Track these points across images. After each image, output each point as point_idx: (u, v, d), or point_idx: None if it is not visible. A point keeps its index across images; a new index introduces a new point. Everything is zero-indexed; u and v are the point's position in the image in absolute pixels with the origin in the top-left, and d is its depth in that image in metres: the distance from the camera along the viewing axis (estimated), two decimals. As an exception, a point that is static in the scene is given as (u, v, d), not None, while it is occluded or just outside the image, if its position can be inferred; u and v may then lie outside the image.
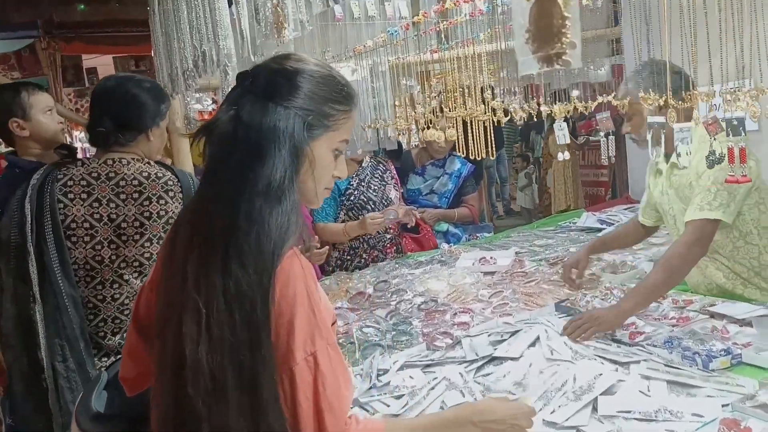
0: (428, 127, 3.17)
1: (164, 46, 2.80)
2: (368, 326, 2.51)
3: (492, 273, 3.06)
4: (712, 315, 2.17)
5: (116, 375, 1.50)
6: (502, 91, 2.49)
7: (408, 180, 4.13)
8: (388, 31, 2.78)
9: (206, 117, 3.98)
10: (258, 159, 1.19)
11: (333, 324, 1.33)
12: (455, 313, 2.56)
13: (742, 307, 2.14)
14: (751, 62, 1.53)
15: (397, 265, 3.50)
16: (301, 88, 1.24)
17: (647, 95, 1.74)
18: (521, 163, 9.80)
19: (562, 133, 1.94)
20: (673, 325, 2.14)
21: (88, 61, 9.08)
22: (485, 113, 2.33)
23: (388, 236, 3.76)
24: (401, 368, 2.15)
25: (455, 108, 2.55)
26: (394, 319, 2.64)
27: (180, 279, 1.20)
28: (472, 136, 2.61)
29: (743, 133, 1.33)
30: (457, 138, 2.74)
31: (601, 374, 1.83)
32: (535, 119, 2.34)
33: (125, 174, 2.16)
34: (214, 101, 3.70)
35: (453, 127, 2.79)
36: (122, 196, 2.15)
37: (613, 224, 3.72)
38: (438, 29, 2.75)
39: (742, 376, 1.78)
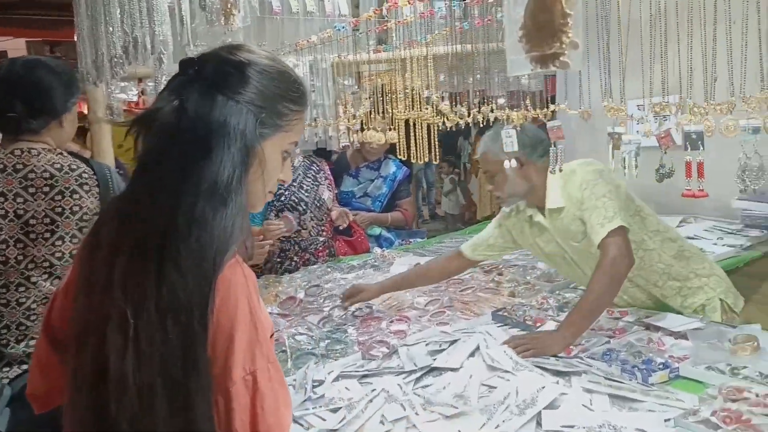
0: (366, 129, 3.09)
1: (89, 30, 2.60)
2: (300, 334, 2.41)
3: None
4: (648, 327, 2.18)
5: (22, 389, 1.35)
6: (441, 95, 2.44)
7: (342, 182, 4.04)
8: (335, 27, 2.68)
9: (133, 107, 3.74)
10: (204, 155, 1.08)
11: (271, 336, 1.21)
12: (391, 321, 2.49)
13: (677, 320, 2.16)
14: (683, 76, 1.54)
15: (329, 269, 3.40)
16: (255, 82, 1.14)
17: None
18: (447, 168, 9.86)
19: (510, 140, 1.90)
20: (610, 337, 2.14)
21: (1, 43, 8.55)
22: (434, 116, 2.27)
23: (321, 239, 3.65)
24: (336, 379, 2.06)
25: (403, 110, 2.47)
26: (328, 326, 2.55)
27: (104, 284, 1.08)
28: (415, 139, 2.54)
29: (701, 147, 1.32)
30: (398, 141, 2.67)
31: (543, 387, 1.79)
32: (481, 125, 2.30)
33: (35, 166, 1.97)
34: (143, 91, 3.47)
35: (393, 130, 2.71)
36: (31, 190, 1.96)
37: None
38: (383, 29, 2.67)
39: (680, 390, 1.78)
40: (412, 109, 2.58)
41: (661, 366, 1.87)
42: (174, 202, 1.06)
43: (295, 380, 2.04)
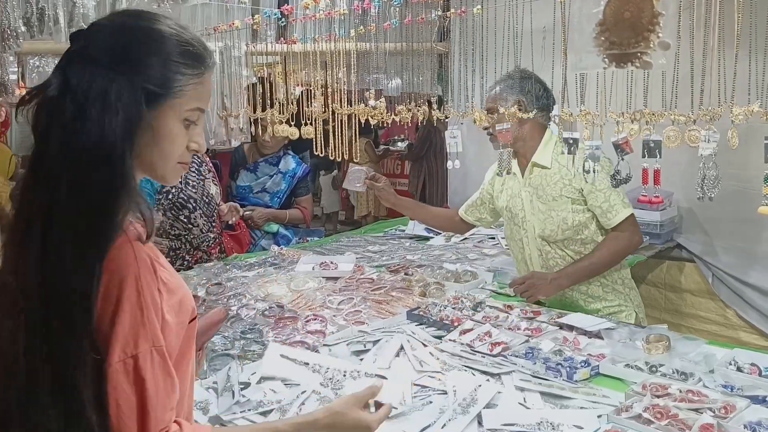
0: (273, 123, 2.98)
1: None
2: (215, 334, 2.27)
3: (335, 278, 2.96)
4: (561, 326, 2.28)
5: None
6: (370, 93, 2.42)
7: (238, 176, 3.88)
8: (265, 13, 2.56)
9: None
10: (83, 129, 1.04)
11: (192, 320, 1.21)
12: (307, 321, 2.42)
13: (588, 320, 2.27)
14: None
15: (227, 267, 3.25)
16: (141, 50, 1.09)
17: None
18: (325, 167, 9.82)
19: (454, 141, 1.91)
20: (528, 336, 2.20)
21: None
22: (380, 113, 2.23)
23: (212, 235, 3.49)
24: (259, 381, 1.96)
25: (340, 105, 2.40)
26: (239, 325, 2.42)
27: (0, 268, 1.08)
28: (334, 135, 2.49)
29: (659, 155, 1.39)
30: (314, 136, 2.61)
31: (480, 386, 1.81)
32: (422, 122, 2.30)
33: None
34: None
35: (309, 124, 2.64)
36: None
37: (440, 233, 3.81)
38: (312, 18, 2.59)
39: (601, 387, 1.87)
40: (332, 103, 2.52)
41: (582, 364, 1.95)
42: (55, 180, 1.03)
43: (215, 383, 1.92)
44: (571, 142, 1.86)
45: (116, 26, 1.11)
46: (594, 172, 1.66)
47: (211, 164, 3.56)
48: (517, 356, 2.04)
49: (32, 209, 1.04)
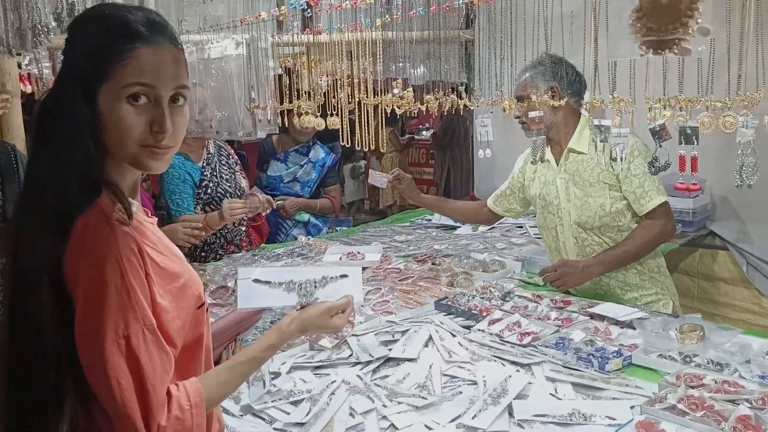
0: (299, 113, 2.98)
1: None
2: (243, 324, 2.28)
3: (363, 269, 2.95)
4: (591, 316, 2.25)
5: None
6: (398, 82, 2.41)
7: (269, 166, 3.90)
8: (291, 4, 2.55)
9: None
10: (51, 118, 1.13)
11: (200, 307, 1.24)
12: (335, 311, 2.42)
13: (620, 309, 2.24)
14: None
15: (255, 257, 3.27)
16: (75, 39, 1.16)
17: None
18: (346, 157, 9.82)
19: (485, 130, 1.89)
20: (558, 326, 2.18)
21: None
22: (409, 103, 2.21)
23: (243, 228, 3.50)
24: (289, 371, 1.98)
25: (367, 96, 2.39)
26: (267, 315, 2.43)
27: None
28: (360, 126, 2.48)
29: (695, 142, 1.36)
30: (341, 126, 2.60)
31: (510, 376, 1.80)
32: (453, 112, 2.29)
33: None
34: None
35: (336, 115, 2.63)
36: None
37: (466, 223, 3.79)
38: (338, 8, 2.58)
39: (633, 377, 1.85)
40: (359, 94, 2.51)
41: (614, 354, 1.93)
42: (30, 164, 1.15)
43: (245, 373, 1.93)
44: (602, 129, 1.83)
45: (76, 19, 1.21)
46: (622, 159, 1.62)
47: (236, 156, 3.57)
48: (547, 346, 2.02)
49: (11, 196, 1.23)
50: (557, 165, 2.56)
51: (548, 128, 2.50)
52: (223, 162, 3.41)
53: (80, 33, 1.15)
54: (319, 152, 3.90)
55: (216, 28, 2.77)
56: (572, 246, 2.57)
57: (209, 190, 3.27)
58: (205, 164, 3.29)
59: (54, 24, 2.11)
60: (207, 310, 1.29)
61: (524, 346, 2.06)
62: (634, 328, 2.11)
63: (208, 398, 1.18)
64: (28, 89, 3.83)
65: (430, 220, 4.01)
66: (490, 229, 3.63)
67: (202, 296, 1.25)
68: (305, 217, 3.85)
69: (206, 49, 2.71)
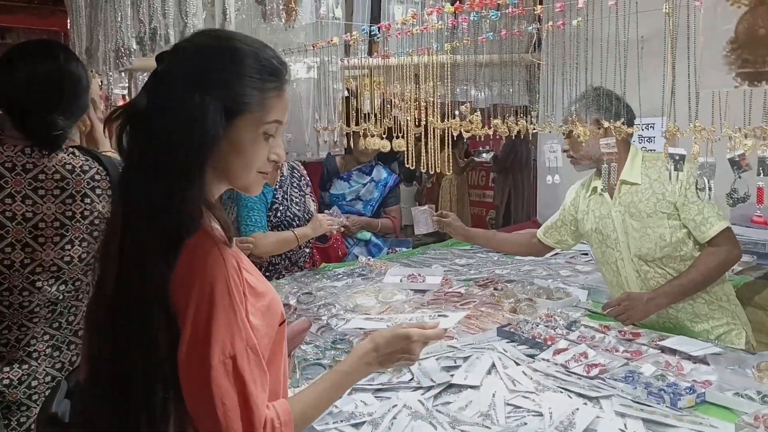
0: (365, 135, 3.00)
1: (90, 17, 2.41)
2: (306, 343, 2.30)
3: (423, 291, 2.95)
4: (662, 349, 2.17)
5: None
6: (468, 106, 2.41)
7: (332, 185, 3.95)
8: (362, 30, 2.59)
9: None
10: (166, 143, 1.11)
11: (281, 324, 1.26)
12: (396, 333, 2.41)
13: (692, 343, 2.15)
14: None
15: (316, 277, 3.30)
16: (220, 68, 1.16)
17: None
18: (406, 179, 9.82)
19: (554, 156, 1.86)
20: (627, 359, 2.11)
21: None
22: (477, 126, 2.21)
23: (307, 250, 3.52)
24: (350, 392, 1.97)
25: (435, 120, 2.40)
26: (329, 335, 2.45)
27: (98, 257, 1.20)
28: (426, 148, 2.48)
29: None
30: (407, 149, 2.61)
31: (577, 409, 1.75)
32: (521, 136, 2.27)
33: (45, 166, 1.80)
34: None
35: (402, 137, 2.65)
36: (41, 192, 1.79)
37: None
38: (408, 33, 2.60)
39: (707, 416, 1.77)
40: (426, 116, 2.52)
41: (687, 390, 1.85)
42: (139, 187, 1.11)
43: (307, 393, 1.93)
44: (677, 158, 1.78)
45: (197, 47, 1.18)
46: (709, 189, 1.57)
47: (308, 178, 3.58)
48: (616, 379, 1.96)
49: (115, 218, 1.15)
50: (611, 198, 2.50)
51: (598, 161, 2.44)
52: (295, 184, 3.42)
53: (225, 59, 1.16)
54: (381, 172, 3.94)
55: (288, 53, 2.83)
56: (635, 280, 2.49)
57: (279, 213, 3.27)
58: (277, 187, 3.31)
59: (136, 47, 2.19)
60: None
61: (591, 378, 2.00)
62: (708, 364, 2.02)
63: (296, 419, 1.21)
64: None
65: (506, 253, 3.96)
66: (553, 255, 3.56)
67: (283, 313, 1.28)
68: (367, 235, 3.88)
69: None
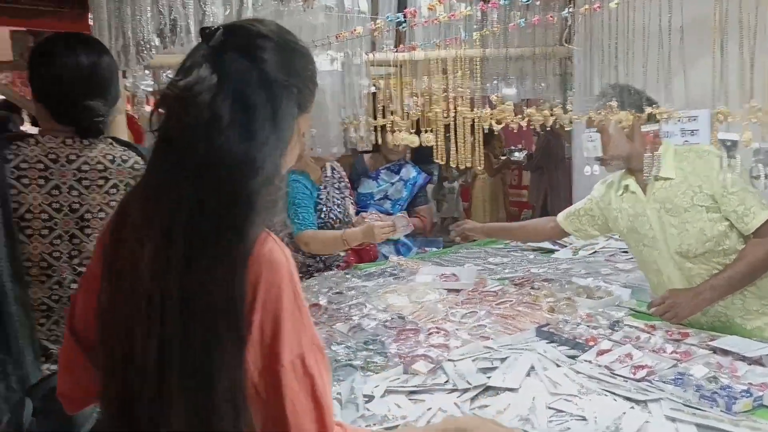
0: (393, 130, 2.91)
1: (113, 13, 2.37)
2: (337, 343, 2.22)
3: (456, 291, 2.85)
4: (714, 350, 2.05)
5: (52, 391, 1.32)
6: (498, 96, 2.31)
7: (360, 184, 3.87)
8: (387, 18, 2.51)
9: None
10: (248, 136, 1.04)
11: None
12: (429, 333, 2.32)
13: (746, 343, 2.02)
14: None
15: (347, 275, 3.22)
16: (297, 61, 1.14)
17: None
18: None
19: (592, 145, 1.75)
20: (676, 360, 1.99)
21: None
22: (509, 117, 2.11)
23: (342, 254, 3.45)
24: (383, 394, 1.89)
25: (467, 111, 2.31)
26: (360, 336, 2.37)
27: (131, 272, 1.05)
28: (456, 143, 2.39)
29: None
30: (436, 144, 2.51)
31: (624, 413, 1.64)
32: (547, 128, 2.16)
33: (88, 157, 1.83)
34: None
35: (430, 131, 2.55)
36: (85, 183, 1.82)
37: (566, 246, 3.62)
38: (434, 22, 2.51)
39: (765, 420, 1.64)
40: (456, 107, 2.42)
41: (743, 393, 1.73)
42: (207, 183, 1.02)
43: (339, 394, 1.86)
44: (729, 144, 1.66)
45: (281, 39, 1.13)
46: (765, 177, 1.45)
47: (347, 180, 3.52)
48: (664, 382, 1.84)
49: (175, 211, 1.02)
50: (645, 195, 2.38)
51: (628, 159, 2.34)
52: (336, 186, 3.38)
53: (292, 57, 1.14)
54: (410, 171, 3.86)
55: (310, 45, 2.75)
56: (678, 278, 2.36)
57: (322, 215, 3.22)
58: (322, 187, 3.27)
59: (157, 41, 2.15)
60: None
61: (638, 380, 1.89)
62: (764, 365, 1.90)
63: None
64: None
65: (525, 241, 3.84)
66: (592, 253, 3.44)
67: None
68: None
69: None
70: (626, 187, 2.44)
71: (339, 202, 3.33)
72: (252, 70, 1.07)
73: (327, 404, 1.08)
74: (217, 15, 2.03)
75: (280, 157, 1.10)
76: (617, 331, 2.25)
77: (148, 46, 2.30)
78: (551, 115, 2.01)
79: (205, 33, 1.11)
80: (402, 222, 3.10)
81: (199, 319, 1.02)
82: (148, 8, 2.23)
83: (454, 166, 2.49)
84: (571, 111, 2.21)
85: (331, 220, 3.25)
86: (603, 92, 2.25)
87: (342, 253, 3.42)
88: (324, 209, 3.24)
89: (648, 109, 1.88)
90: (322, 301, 2.74)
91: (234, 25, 1.16)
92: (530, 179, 8.41)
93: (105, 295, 1.11)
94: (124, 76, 2.57)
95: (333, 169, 3.40)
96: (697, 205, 2.26)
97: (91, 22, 2.82)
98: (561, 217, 2.81)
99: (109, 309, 1.10)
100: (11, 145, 1.79)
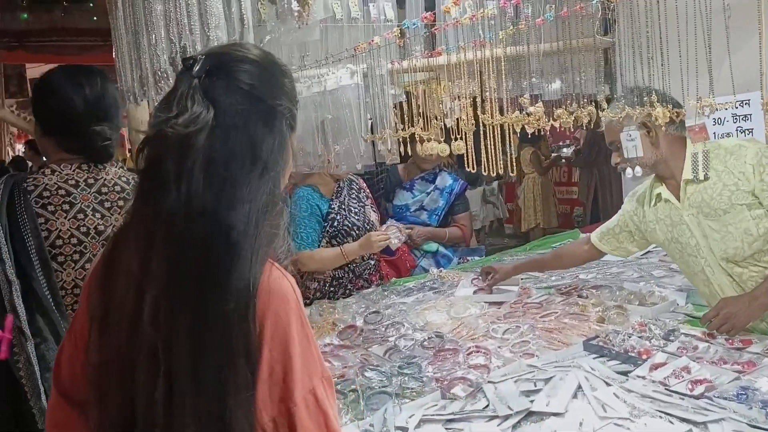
0: (422, 140, 2.79)
1: (132, 45, 2.36)
2: (371, 369, 2.12)
3: (499, 304, 2.71)
4: (780, 359, 1.86)
5: None
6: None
7: (395, 195, 3.77)
8: (404, 24, 2.41)
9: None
10: (251, 166, 1.02)
11: None
12: (469, 353, 2.19)
13: (818, 351, 1.83)
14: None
15: (385, 293, 3.12)
16: (284, 83, 1.12)
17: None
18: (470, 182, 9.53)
19: (632, 144, 1.60)
20: (739, 372, 1.81)
21: (32, 70, 8.54)
22: (538, 120, 1.98)
23: (372, 263, 3.37)
24: (418, 424, 1.77)
25: (491, 116, 2.17)
26: (396, 358, 2.25)
27: (130, 318, 0.99)
28: (486, 149, 2.26)
29: None
30: (467, 151, 2.39)
31: (681, 439, 1.48)
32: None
33: (105, 179, 1.90)
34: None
35: (460, 139, 2.43)
36: (107, 205, 1.87)
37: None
38: (455, 25, 2.39)
39: None
40: (482, 114, 2.29)
41: (817, 410, 1.55)
42: (215, 220, 0.98)
43: (371, 426, 1.75)
44: None
45: (266, 61, 1.11)
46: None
47: (368, 190, 3.47)
48: (726, 398, 1.67)
49: (182, 252, 0.97)
50: (679, 202, 2.19)
51: (655, 166, 2.17)
52: (353, 196, 3.34)
53: (279, 78, 1.12)
54: (446, 179, 3.73)
55: (334, 60, 2.67)
56: (729, 286, 2.15)
57: (336, 223, 3.19)
58: (334, 197, 3.24)
59: (170, 70, 2.11)
60: None
61: (696, 397, 1.72)
62: (840, 376, 1.70)
63: None
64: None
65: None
66: (644, 254, 3.23)
67: None
68: (434, 246, 3.66)
69: (322, 82, 2.62)
70: (658, 196, 2.27)
71: (357, 210, 3.28)
72: (244, 98, 1.04)
73: None
74: (221, 38, 1.97)
75: (281, 180, 1.09)
76: (672, 341, 2.08)
77: (166, 75, 2.27)
78: (583, 113, 1.86)
79: (189, 64, 1.06)
80: (393, 231, 3.08)
81: (210, 365, 0.96)
82: (162, 38, 2.20)
83: (485, 173, 2.36)
84: (606, 108, 2.06)
85: (346, 228, 3.20)
86: (619, 97, 2.10)
87: (372, 262, 3.35)
88: (338, 218, 3.20)
89: (691, 102, 1.70)
90: (359, 323, 2.65)
91: (217, 53, 1.12)
92: (579, 175, 8.16)
93: (95, 348, 1.05)
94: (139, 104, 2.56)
95: (351, 180, 3.36)
96: (736, 204, 2.06)
97: (114, 55, 2.83)
98: (595, 237, 2.62)
99: (103, 362, 1.03)
100: (28, 177, 1.84)
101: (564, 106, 2.07)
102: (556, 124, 1.96)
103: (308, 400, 1.02)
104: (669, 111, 1.67)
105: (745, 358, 1.89)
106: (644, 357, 1.99)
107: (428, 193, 3.72)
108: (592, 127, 2.24)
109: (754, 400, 1.63)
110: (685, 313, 2.39)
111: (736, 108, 3.18)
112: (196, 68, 1.04)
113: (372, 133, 2.68)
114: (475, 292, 2.85)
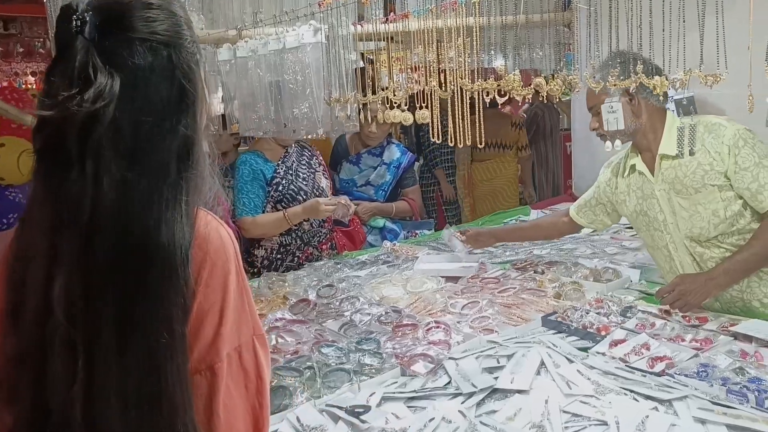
0: (391, 107, 2.69)
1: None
2: (326, 345, 2.05)
3: (456, 278, 2.68)
4: (735, 336, 1.89)
5: None
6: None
7: (341, 168, 3.66)
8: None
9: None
10: (161, 114, 0.91)
11: None
12: (428, 329, 2.15)
13: (771, 328, 1.87)
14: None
15: (337, 266, 3.04)
16: (177, 16, 0.96)
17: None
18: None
19: (614, 117, 1.56)
20: (697, 349, 1.83)
21: None
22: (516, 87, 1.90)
23: (323, 231, 3.29)
24: (379, 403, 1.72)
25: (462, 82, 2.10)
26: (353, 334, 2.19)
27: (37, 307, 0.88)
28: (454, 119, 2.19)
29: None
30: (431, 121, 2.32)
31: (647, 416, 1.48)
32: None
33: None
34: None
35: (425, 107, 2.35)
36: None
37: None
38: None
39: (803, 416, 1.49)
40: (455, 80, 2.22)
41: (775, 387, 1.57)
42: (127, 188, 0.87)
43: (327, 405, 1.69)
44: (684, 102, 1.47)
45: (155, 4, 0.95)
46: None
47: (321, 157, 3.37)
48: (686, 375, 1.68)
49: (96, 232, 0.87)
50: (653, 175, 2.20)
51: (633, 135, 2.16)
52: (304, 162, 3.24)
53: (173, 10, 0.98)
54: (393, 152, 3.63)
55: (293, 17, 2.53)
56: (690, 264, 2.18)
57: (280, 188, 3.12)
58: (280, 162, 3.15)
59: None
60: None
61: (657, 374, 1.73)
62: (795, 353, 1.74)
63: None
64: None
65: (525, 221, 3.67)
66: (595, 231, 3.26)
67: None
68: (380, 222, 3.58)
69: (282, 39, 2.47)
70: (632, 168, 2.26)
71: (305, 175, 3.20)
72: (147, 50, 0.91)
73: (264, 401, 0.98)
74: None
75: (199, 120, 0.97)
76: (630, 318, 2.09)
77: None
78: (558, 82, 1.81)
79: (72, 16, 0.88)
80: (340, 207, 3.05)
81: (142, 337, 0.87)
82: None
83: (452, 144, 2.29)
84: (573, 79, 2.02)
85: (292, 192, 3.13)
86: (605, 62, 2.04)
87: (323, 230, 3.29)
88: (283, 182, 3.13)
89: (680, 74, 1.67)
90: (311, 296, 2.57)
91: (102, 3, 0.92)
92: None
93: (7, 341, 0.93)
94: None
95: (303, 147, 3.28)
96: (708, 184, 2.07)
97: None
98: (573, 210, 2.63)
99: (13, 356, 0.92)
100: None
101: (542, 75, 2.01)
102: (529, 94, 1.90)
103: (232, 358, 0.94)
104: (662, 82, 1.63)
105: (701, 336, 1.92)
106: (603, 333, 1.99)
107: (375, 168, 3.62)
108: (531, 104, 2.19)
109: (714, 377, 1.64)
110: (638, 290, 2.41)
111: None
112: (87, 29, 0.88)
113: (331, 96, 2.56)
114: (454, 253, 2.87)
